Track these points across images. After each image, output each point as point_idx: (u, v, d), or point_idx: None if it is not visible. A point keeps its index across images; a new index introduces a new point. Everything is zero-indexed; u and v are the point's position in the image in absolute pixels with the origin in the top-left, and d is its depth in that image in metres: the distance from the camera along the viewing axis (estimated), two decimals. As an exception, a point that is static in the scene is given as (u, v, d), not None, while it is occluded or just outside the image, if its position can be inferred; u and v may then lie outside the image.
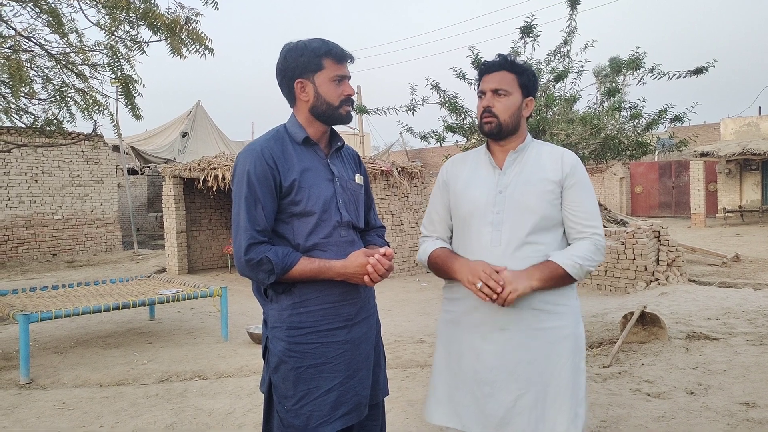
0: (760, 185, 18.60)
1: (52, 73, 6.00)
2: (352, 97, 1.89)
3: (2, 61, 5.23)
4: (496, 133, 1.87)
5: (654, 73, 6.67)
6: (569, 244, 1.87)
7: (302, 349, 1.78)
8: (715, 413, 3.16)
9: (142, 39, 5.65)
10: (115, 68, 5.76)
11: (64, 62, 5.88)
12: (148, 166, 18.67)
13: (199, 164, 9.85)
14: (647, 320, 4.81)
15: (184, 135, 18.29)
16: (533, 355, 1.79)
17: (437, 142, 7.44)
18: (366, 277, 1.76)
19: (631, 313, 4.85)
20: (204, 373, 4.45)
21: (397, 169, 10.28)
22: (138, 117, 6.03)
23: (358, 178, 1.98)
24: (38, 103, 6.41)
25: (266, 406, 1.87)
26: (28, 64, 5.73)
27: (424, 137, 7.43)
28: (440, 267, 1.91)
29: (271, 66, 1.87)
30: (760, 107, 21.09)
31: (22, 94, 5.86)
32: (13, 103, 6.24)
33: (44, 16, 5.33)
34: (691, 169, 17.91)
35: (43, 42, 5.71)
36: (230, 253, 10.53)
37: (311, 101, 1.84)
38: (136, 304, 5.00)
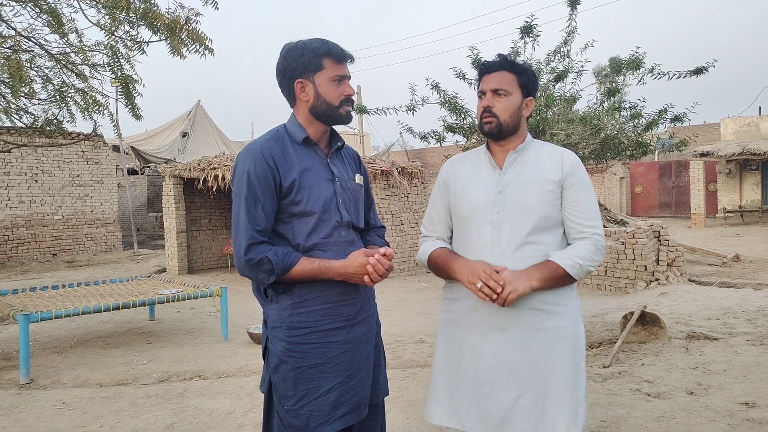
0: (760, 185, 18.60)
1: (52, 73, 6.00)
2: (352, 97, 1.89)
3: (2, 61, 5.23)
4: (496, 133, 1.87)
5: (654, 73, 6.67)
6: (569, 244, 1.87)
7: (302, 349, 1.78)
8: (715, 413, 3.16)
9: (142, 39, 5.65)
10: (115, 68, 5.76)
11: (64, 62, 5.88)
12: (148, 166, 18.68)
13: (199, 164, 9.85)
14: (647, 320, 4.81)
15: (184, 135, 18.30)
16: (533, 355, 1.79)
17: (437, 142, 7.44)
18: (366, 277, 1.76)
19: (631, 313, 4.85)
20: (204, 373, 4.45)
21: (397, 169, 10.28)
22: (138, 117, 6.03)
23: (358, 178, 1.98)
24: (38, 103, 6.42)
25: (266, 406, 1.87)
26: (28, 64, 5.73)
27: (424, 137, 7.43)
28: (440, 267, 1.91)
29: (271, 66, 1.87)
30: (760, 107, 21.11)
31: (22, 94, 5.86)
32: (13, 103, 6.24)
33: (44, 16, 5.33)
34: (691, 169, 17.91)
35: (43, 42, 5.71)
36: (230, 253, 10.53)
37: (311, 101, 1.84)
38: (136, 304, 5.00)
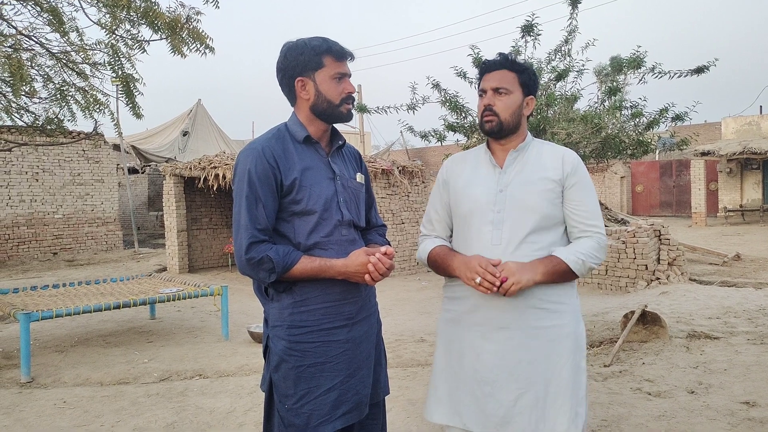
0: (760, 184, 18.59)
1: (53, 71, 5.99)
2: (353, 95, 1.88)
3: (3, 59, 5.22)
4: (496, 132, 1.87)
5: (655, 72, 6.65)
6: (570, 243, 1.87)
7: (303, 348, 1.78)
8: (716, 412, 3.16)
9: (142, 38, 5.64)
10: (116, 67, 5.75)
11: (64, 61, 5.88)
12: (149, 165, 18.70)
13: (199, 163, 9.85)
14: (648, 319, 4.81)
15: (185, 134, 18.30)
16: (533, 355, 1.79)
17: (438, 141, 7.43)
18: (367, 276, 1.75)
19: (632, 312, 4.84)
20: (205, 372, 4.45)
21: (397, 168, 10.29)
22: (138, 116, 6.02)
23: (359, 177, 1.97)
24: (39, 102, 6.41)
25: (267, 405, 1.87)
26: (29, 62, 5.72)
27: (424, 136, 7.42)
28: (440, 265, 1.91)
29: (272, 65, 1.87)
30: (761, 106, 21.08)
31: (23, 93, 5.85)
32: (14, 102, 6.24)
33: (45, 15, 5.33)
34: (692, 168, 17.90)
35: (43, 41, 5.70)
36: (231, 252, 10.54)
37: (312, 99, 1.83)
38: (136, 303, 5.00)
